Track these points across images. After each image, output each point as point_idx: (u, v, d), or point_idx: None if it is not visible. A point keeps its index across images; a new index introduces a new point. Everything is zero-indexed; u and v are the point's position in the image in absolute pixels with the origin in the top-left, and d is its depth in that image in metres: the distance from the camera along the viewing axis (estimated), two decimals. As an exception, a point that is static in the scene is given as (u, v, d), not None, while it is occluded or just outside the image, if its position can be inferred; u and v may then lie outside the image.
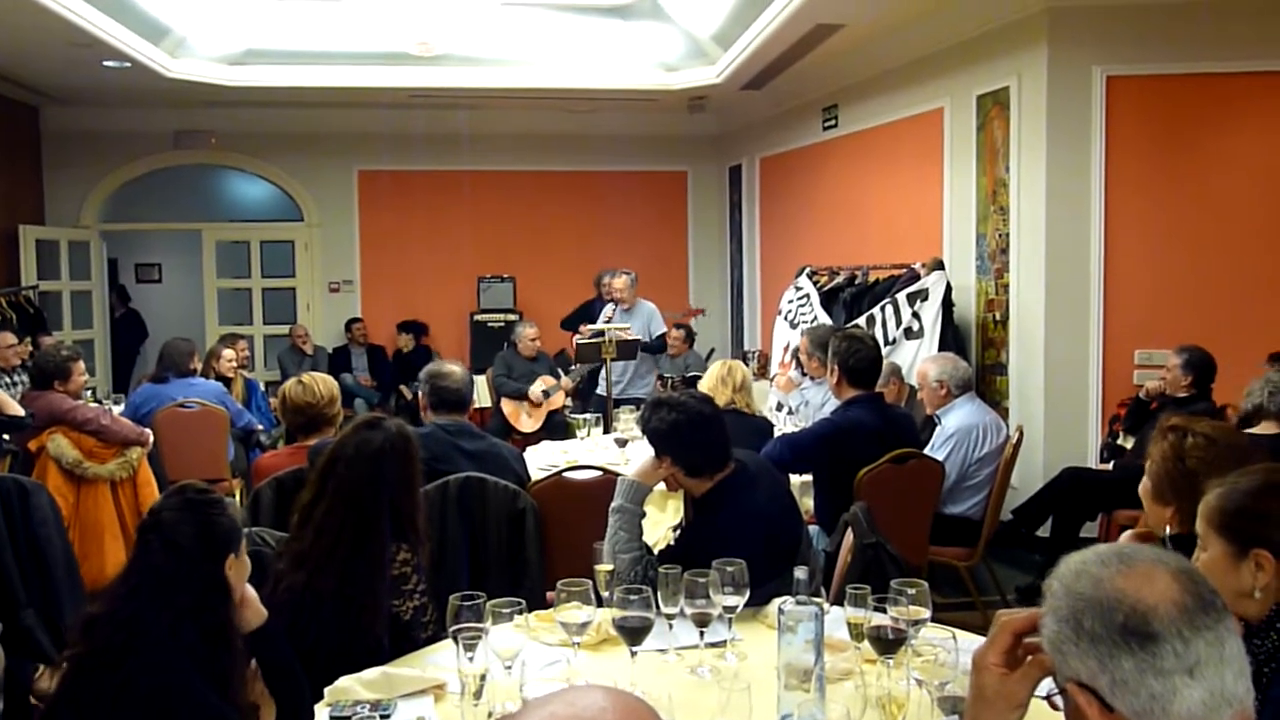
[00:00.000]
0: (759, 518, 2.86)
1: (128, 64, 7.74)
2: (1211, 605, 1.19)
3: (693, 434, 2.88)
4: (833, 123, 8.61)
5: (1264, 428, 4.50)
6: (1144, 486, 2.42)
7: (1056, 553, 5.45)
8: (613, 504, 2.91)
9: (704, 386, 4.69)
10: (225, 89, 8.68)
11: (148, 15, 7.26)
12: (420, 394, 3.96)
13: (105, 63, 7.76)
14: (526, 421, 8.08)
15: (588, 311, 8.46)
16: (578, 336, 7.13)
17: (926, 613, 2.29)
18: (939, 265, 6.54)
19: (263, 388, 8.55)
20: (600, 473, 3.89)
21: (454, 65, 8.58)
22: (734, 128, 10.69)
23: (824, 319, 7.18)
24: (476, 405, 8.72)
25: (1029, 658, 1.34)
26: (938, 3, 6.46)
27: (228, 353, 7.40)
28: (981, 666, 1.38)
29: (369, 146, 10.53)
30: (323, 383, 4.06)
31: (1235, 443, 2.33)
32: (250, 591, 2.14)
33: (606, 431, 5.92)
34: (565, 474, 3.91)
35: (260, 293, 10.82)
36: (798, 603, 2.01)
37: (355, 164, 10.63)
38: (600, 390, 7.45)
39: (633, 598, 2.30)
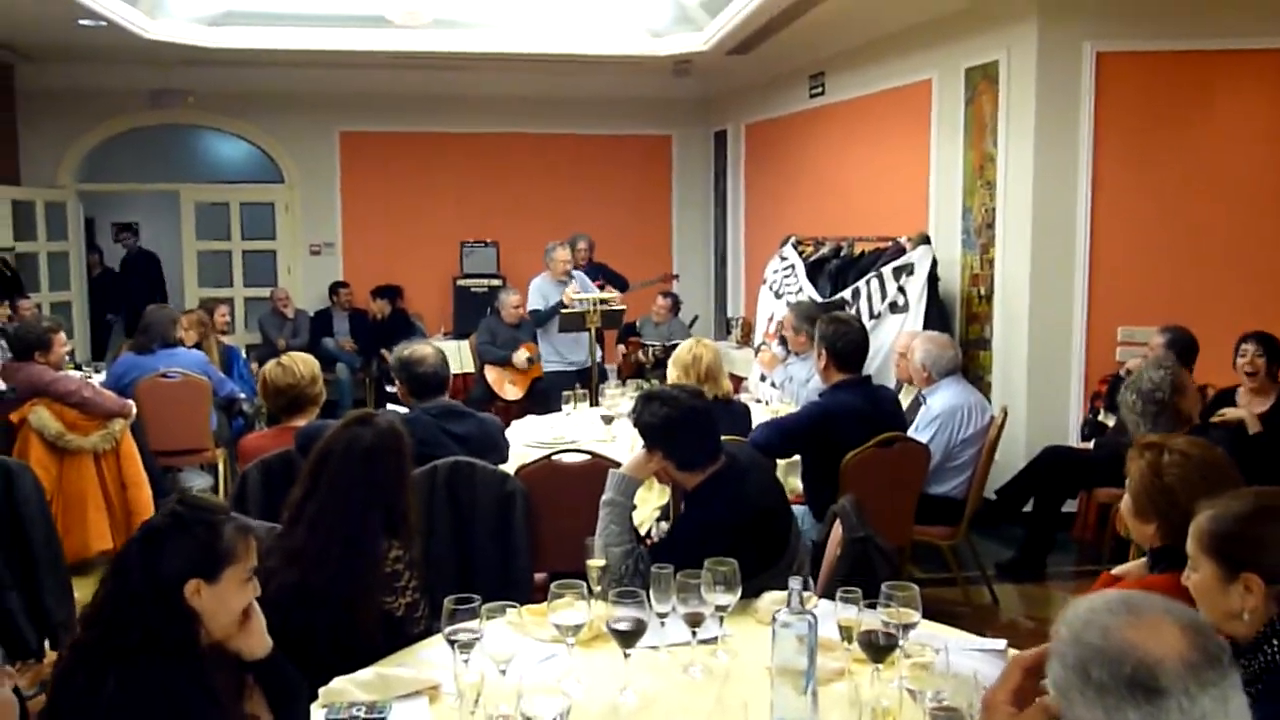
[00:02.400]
0: (750, 512, 2.87)
1: (103, 23, 7.58)
2: (1218, 661, 1.21)
3: (684, 429, 2.89)
4: (820, 90, 8.54)
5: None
6: (1125, 505, 2.47)
7: (1037, 529, 5.54)
8: (604, 497, 2.91)
9: (670, 380, 4.61)
10: (204, 50, 8.52)
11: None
12: (398, 382, 3.94)
13: (80, 22, 7.59)
14: (511, 390, 8.08)
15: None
16: (562, 307, 7.03)
17: (917, 616, 2.32)
18: (925, 239, 6.54)
19: (244, 353, 8.50)
20: (589, 456, 3.89)
21: (438, 28, 8.43)
22: (720, 92, 10.59)
23: (809, 290, 7.17)
24: (460, 370, 8.67)
25: (1036, 700, 1.36)
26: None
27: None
28: (992, 706, 1.40)
29: (351, 107, 10.36)
30: (302, 362, 4.04)
31: (1211, 459, 2.37)
32: (257, 620, 2.06)
33: (594, 404, 5.91)
34: (554, 458, 3.91)
35: (240, 255, 10.70)
36: (792, 613, 2.03)
37: (336, 125, 10.46)
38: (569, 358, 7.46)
39: (626, 600, 2.31)
